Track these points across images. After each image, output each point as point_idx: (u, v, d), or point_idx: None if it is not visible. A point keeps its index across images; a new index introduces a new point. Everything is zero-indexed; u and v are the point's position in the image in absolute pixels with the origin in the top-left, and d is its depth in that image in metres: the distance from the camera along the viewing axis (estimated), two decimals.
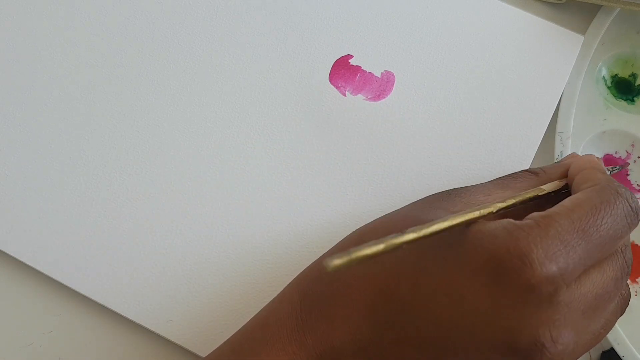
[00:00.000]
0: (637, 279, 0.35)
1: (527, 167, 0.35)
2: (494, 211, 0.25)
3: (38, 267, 0.35)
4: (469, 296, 0.23)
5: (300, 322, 0.27)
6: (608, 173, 0.31)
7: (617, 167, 0.35)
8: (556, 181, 0.29)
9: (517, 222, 0.24)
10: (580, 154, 0.36)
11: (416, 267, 0.25)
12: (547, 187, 0.28)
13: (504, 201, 0.26)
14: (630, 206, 0.25)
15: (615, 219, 0.25)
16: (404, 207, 0.30)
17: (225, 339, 0.31)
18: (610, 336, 0.33)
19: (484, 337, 0.23)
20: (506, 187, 0.29)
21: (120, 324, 0.35)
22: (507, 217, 0.25)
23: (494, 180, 0.30)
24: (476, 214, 0.24)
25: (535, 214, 0.25)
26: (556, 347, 0.23)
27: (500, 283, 0.23)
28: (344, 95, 0.37)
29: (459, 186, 0.35)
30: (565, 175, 0.30)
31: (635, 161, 0.36)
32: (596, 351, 0.35)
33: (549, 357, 0.23)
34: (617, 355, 0.33)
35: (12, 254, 0.35)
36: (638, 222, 0.26)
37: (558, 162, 0.32)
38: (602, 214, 0.24)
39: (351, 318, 0.26)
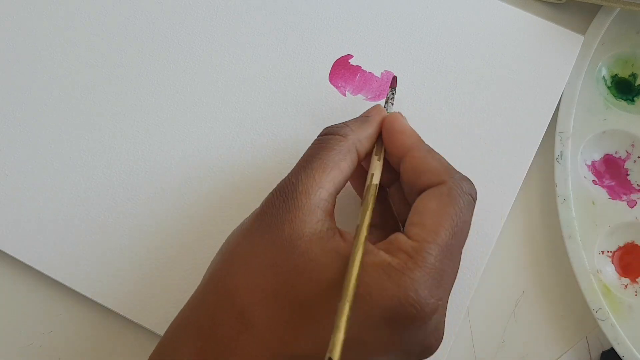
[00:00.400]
0: (637, 279, 0.35)
1: (527, 167, 0.35)
2: (363, 248, 0.25)
3: (38, 267, 0.35)
4: (369, 339, 0.25)
5: None
6: (391, 97, 0.33)
7: (392, 91, 0.34)
8: (377, 162, 0.29)
9: (395, 262, 0.25)
10: (580, 154, 0.36)
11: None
12: (377, 178, 0.29)
13: (362, 225, 0.26)
14: (474, 198, 0.28)
15: (468, 220, 0.27)
16: (246, 227, 0.28)
17: None
18: (610, 336, 0.33)
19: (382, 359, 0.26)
20: (328, 167, 0.28)
21: (121, 324, 0.35)
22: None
23: (310, 159, 0.28)
24: (355, 276, 0.24)
25: (404, 244, 0.26)
26: (437, 342, 0.27)
27: (397, 328, 0.25)
28: (344, 95, 0.37)
29: None
30: (376, 136, 0.30)
31: (635, 161, 0.36)
32: (596, 351, 0.35)
33: (435, 350, 0.27)
34: (617, 355, 0.33)
35: (12, 254, 0.35)
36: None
37: (364, 117, 0.31)
38: (460, 226, 0.27)
39: None
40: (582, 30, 0.38)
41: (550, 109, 0.36)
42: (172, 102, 0.37)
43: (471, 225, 0.34)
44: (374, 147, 0.30)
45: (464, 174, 0.34)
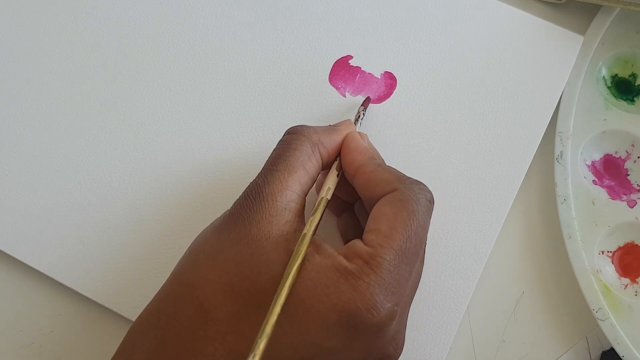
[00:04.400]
0: (637, 279, 0.35)
1: (526, 167, 0.35)
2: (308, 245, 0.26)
3: (38, 267, 0.35)
4: (326, 343, 0.25)
5: None
6: (362, 116, 0.34)
7: (364, 111, 0.34)
8: (335, 177, 0.30)
9: (351, 267, 0.25)
10: (580, 154, 0.36)
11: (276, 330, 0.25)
12: (330, 192, 0.29)
13: (307, 233, 0.26)
14: (428, 200, 0.28)
15: (424, 223, 0.27)
16: (215, 225, 0.28)
17: None
18: (610, 336, 0.33)
19: None
20: (294, 169, 0.28)
21: (120, 324, 0.35)
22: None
23: (275, 161, 0.28)
24: (295, 271, 0.25)
25: (360, 250, 0.26)
26: (397, 352, 0.27)
27: (352, 331, 0.25)
28: (344, 96, 0.37)
29: (460, 185, 0.35)
30: (340, 146, 0.30)
31: (635, 161, 0.36)
32: (596, 351, 0.35)
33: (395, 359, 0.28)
34: (617, 355, 0.33)
35: (12, 254, 0.35)
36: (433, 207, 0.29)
37: (332, 126, 0.31)
38: (415, 229, 0.27)
39: None
40: (582, 30, 0.38)
41: (550, 109, 0.36)
42: (172, 104, 0.37)
43: (471, 225, 0.35)
44: (336, 158, 0.30)
45: (463, 174, 0.34)
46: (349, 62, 0.37)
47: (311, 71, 0.37)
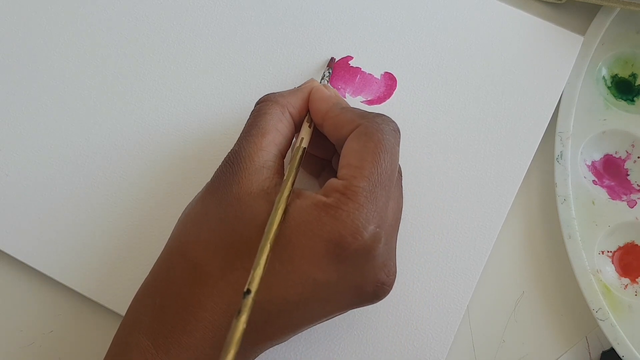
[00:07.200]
0: (637, 279, 0.35)
1: (526, 167, 0.36)
2: (288, 195, 0.27)
3: (38, 267, 0.35)
4: (320, 276, 0.26)
5: None
6: (327, 75, 0.35)
7: (329, 70, 0.36)
8: (307, 128, 0.31)
9: (330, 200, 0.27)
10: (580, 154, 0.36)
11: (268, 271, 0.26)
12: (306, 142, 0.30)
13: (287, 182, 0.27)
14: (393, 129, 0.29)
15: (391, 150, 0.28)
16: (199, 194, 0.30)
17: None
18: (610, 336, 0.33)
19: (336, 301, 0.28)
20: (266, 131, 0.29)
21: None
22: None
23: (249, 128, 0.30)
24: (275, 226, 0.26)
25: (335, 184, 0.27)
26: (390, 278, 0.29)
27: (342, 259, 0.26)
28: (344, 96, 0.37)
29: (460, 185, 0.35)
30: (307, 102, 0.32)
31: (635, 161, 0.36)
32: (596, 351, 0.35)
33: (389, 288, 0.29)
34: (617, 355, 0.33)
35: (12, 254, 0.35)
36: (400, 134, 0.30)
37: (296, 87, 0.32)
38: (383, 156, 0.28)
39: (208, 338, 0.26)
40: (582, 30, 0.38)
41: (550, 109, 0.36)
42: (172, 104, 0.37)
43: (471, 225, 0.35)
44: (307, 114, 0.32)
45: (463, 174, 0.33)
46: (349, 62, 0.37)
47: (311, 71, 0.37)
